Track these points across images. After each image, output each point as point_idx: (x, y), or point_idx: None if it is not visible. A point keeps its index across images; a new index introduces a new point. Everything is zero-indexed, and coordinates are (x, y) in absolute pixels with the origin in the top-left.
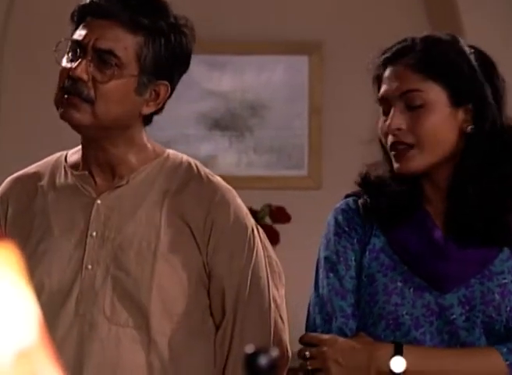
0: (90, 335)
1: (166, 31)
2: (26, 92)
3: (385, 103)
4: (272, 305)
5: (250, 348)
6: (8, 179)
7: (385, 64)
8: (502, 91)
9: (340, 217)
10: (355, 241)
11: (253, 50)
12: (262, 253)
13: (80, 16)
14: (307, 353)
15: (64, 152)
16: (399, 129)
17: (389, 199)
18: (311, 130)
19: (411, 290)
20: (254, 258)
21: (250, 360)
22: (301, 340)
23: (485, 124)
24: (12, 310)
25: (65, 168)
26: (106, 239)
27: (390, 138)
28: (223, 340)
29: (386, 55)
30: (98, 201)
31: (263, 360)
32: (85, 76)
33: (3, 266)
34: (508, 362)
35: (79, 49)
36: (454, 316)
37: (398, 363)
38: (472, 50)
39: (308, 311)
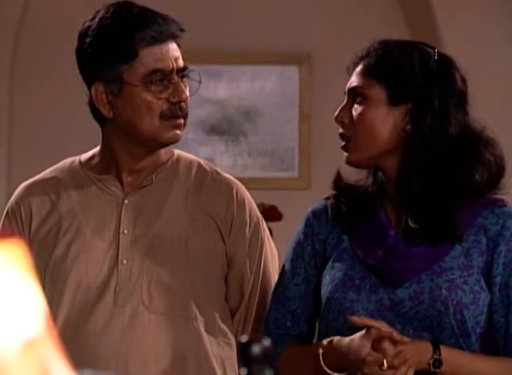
0: (132, 323)
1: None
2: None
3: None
4: None
5: (243, 338)
6: (24, 185)
7: (353, 64)
8: (463, 96)
9: (307, 222)
10: (314, 245)
11: (247, 60)
12: (268, 241)
13: None
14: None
15: (75, 158)
16: (342, 121)
17: (350, 200)
18: (301, 135)
19: (367, 287)
20: (265, 246)
21: (244, 349)
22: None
23: (423, 125)
24: (19, 302)
25: (85, 172)
26: (137, 236)
27: (340, 130)
28: (239, 323)
29: (355, 56)
30: (126, 201)
31: (256, 349)
32: None
33: (12, 261)
34: None
35: None
36: (405, 310)
37: (437, 364)
38: (433, 54)
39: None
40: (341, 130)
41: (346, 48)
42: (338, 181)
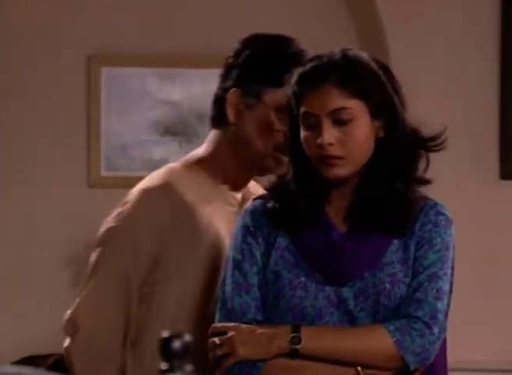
0: None
1: None
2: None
3: (309, 118)
4: None
5: (164, 333)
6: (159, 188)
7: (306, 82)
8: (405, 100)
9: (248, 218)
10: (260, 240)
11: (200, 64)
12: None
13: None
14: (216, 340)
15: (177, 169)
16: (330, 144)
17: (292, 204)
18: None
19: (313, 284)
20: None
21: (165, 344)
22: (210, 331)
23: (397, 132)
24: None
25: (201, 183)
26: None
27: (320, 151)
28: None
29: (305, 72)
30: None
31: (177, 344)
32: None
33: None
34: (395, 339)
35: None
36: (351, 307)
37: (296, 340)
38: (377, 64)
39: (217, 306)
40: (325, 152)
41: None
42: (275, 183)
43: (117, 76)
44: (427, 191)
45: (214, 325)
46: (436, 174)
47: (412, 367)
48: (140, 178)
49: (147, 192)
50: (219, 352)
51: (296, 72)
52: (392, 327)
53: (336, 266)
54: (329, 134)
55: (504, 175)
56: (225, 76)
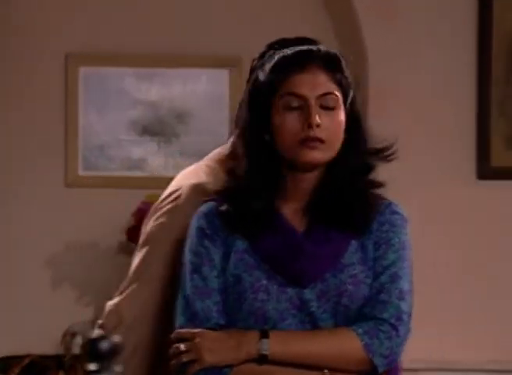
0: None
1: None
2: None
3: (293, 100)
4: None
5: (93, 333)
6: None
7: (291, 64)
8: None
9: (202, 221)
10: (218, 243)
11: (179, 64)
12: None
13: None
14: (182, 346)
15: (214, 165)
16: (318, 125)
17: (246, 206)
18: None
19: (275, 286)
20: None
21: (92, 345)
22: (174, 337)
23: (359, 133)
24: None
25: None
26: None
27: (307, 132)
28: None
29: (289, 55)
30: None
31: (105, 345)
32: None
33: None
34: (364, 342)
35: None
36: (313, 309)
37: (264, 345)
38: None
39: (177, 311)
40: (315, 134)
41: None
42: (227, 186)
43: (95, 75)
44: (404, 191)
45: (178, 331)
46: (414, 174)
47: (380, 370)
48: (118, 178)
49: (197, 188)
50: (184, 359)
51: (276, 56)
52: (360, 330)
53: (297, 267)
54: (318, 117)
55: (481, 175)
56: (249, 78)
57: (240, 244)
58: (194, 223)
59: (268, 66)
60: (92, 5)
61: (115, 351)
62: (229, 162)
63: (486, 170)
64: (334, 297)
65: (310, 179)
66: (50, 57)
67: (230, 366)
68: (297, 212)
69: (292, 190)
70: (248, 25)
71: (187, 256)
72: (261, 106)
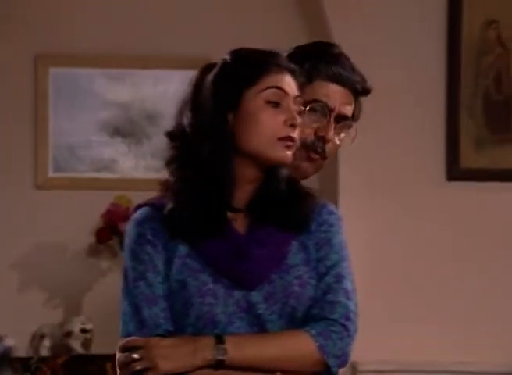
0: None
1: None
2: None
3: (275, 95)
4: None
5: None
6: None
7: (271, 62)
8: None
9: (142, 227)
10: (159, 248)
11: (150, 65)
12: None
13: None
14: (135, 355)
15: None
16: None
17: (189, 210)
18: None
19: (222, 290)
20: None
21: None
22: (124, 345)
23: None
24: None
25: None
26: None
27: (287, 131)
28: None
29: (266, 53)
30: None
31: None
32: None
33: None
34: (318, 344)
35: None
36: (261, 311)
37: (221, 351)
38: None
39: (122, 320)
40: (294, 135)
41: None
42: (170, 189)
43: (65, 76)
44: (375, 192)
45: (128, 339)
46: (384, 176)
47: (334, 370)
48: (89, 179)
49: None
50: (138, 367)
51: (251, 56)
52: (313, 332)
53: (242, 270)
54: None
55: (451, 177)
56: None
57: (183, 249)
58: (133, 230)
59: (241, 60)
60: (62, 5)
61: (5, 355)
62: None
63: (456, 172)
64: (281, 298)
65: (256, 179)
66: (19, 58)
67: (186, 373)
68: (239, 213)
69: (240, 193)
70: (219, 25)
71: (129, 264)
72: (227, 98)
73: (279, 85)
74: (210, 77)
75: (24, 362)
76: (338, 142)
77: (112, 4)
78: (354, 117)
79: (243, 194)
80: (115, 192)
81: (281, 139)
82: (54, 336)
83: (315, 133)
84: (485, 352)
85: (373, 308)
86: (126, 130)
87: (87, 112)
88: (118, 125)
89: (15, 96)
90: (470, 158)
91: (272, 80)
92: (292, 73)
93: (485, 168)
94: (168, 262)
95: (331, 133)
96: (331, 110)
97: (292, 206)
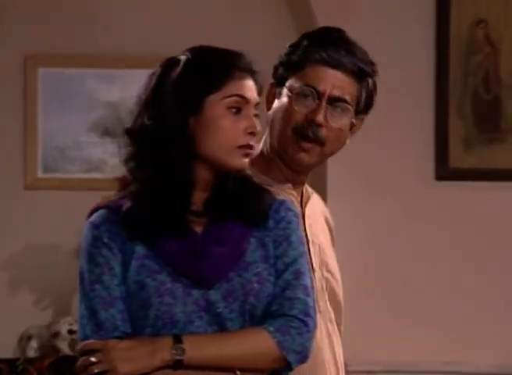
0: (333, 329)
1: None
2: None
3: (242, 103)
4: None
5: None
6: None
7: (236, 65)
8: None
9: (97, 230)
10: (116, 250)
11: (139, 65)
12: None
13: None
14: (93, 359)
15: None
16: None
17: (146, 210)
18: None
19: (180, 289)
20: None
21: None
22: (82, 349)
23: None
24: None
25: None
26: (315, 244)
27: (248, 140)
28: None
29: (239, 56)
30: (306, 211)
31: None
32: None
33: None
34: (276, 340)
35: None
36: (220, 310)
37: (179, 351)
38: None
39: (80, 323)
40: (253, 142)
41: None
42: (128, 191)
43: (54, 76)
44: (364, 192)
45: (85, 342)
46: (373, 176)
47: (294, 366)
48: (78, 180)
49: None
50: (96, 370)
51: (214, 57)
52: (272, 328)
53: (199, 268)
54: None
55: (439, 176)
56: (276, 70)
57: (140, 250)
58: (89, 233)
59: (205, 61)
60: (51, 5)
61: None
62: (263, 158)
63: (444, 171)
64: (240, 296)
65: (213, 182)
66: (8, 58)
67: (145, 374)
68: (194, 213)
69: (199, 193)
70: (208, 24)
71: (85, 267)
72: (190, 103)
73: (240, 93)
74: (173, 76)
75: (11, 363)
76: (336, 126)
77: (100, 5)
78: (360, 102)
79: (201, 195)
80: (104, 193)
81: (240, 147)
82: (41, 337)
83: (306, 118)
84: (482, 353)
85: (365, 309)
86: (115, 130)
87: (77, 112)
88: (107, 125)
89: (4, 97)
90: (459, 158)
91: (234, 86)
92: (254, 75)
93: (474, 168)
94: (126, 264)
95: (320, 115)
96: (321, 93)
97: (247, 202)
